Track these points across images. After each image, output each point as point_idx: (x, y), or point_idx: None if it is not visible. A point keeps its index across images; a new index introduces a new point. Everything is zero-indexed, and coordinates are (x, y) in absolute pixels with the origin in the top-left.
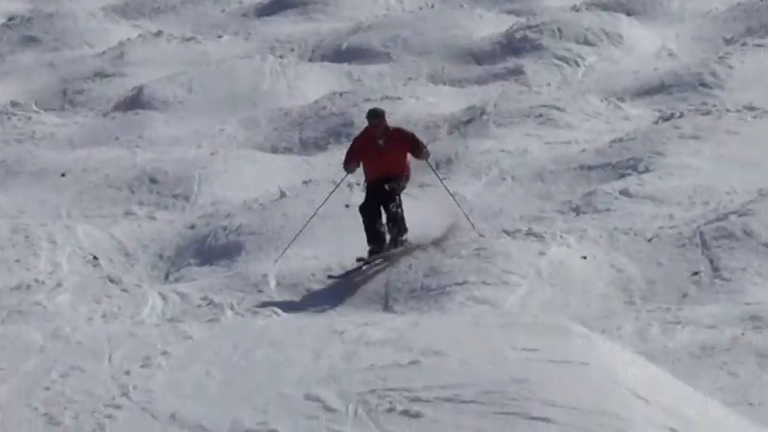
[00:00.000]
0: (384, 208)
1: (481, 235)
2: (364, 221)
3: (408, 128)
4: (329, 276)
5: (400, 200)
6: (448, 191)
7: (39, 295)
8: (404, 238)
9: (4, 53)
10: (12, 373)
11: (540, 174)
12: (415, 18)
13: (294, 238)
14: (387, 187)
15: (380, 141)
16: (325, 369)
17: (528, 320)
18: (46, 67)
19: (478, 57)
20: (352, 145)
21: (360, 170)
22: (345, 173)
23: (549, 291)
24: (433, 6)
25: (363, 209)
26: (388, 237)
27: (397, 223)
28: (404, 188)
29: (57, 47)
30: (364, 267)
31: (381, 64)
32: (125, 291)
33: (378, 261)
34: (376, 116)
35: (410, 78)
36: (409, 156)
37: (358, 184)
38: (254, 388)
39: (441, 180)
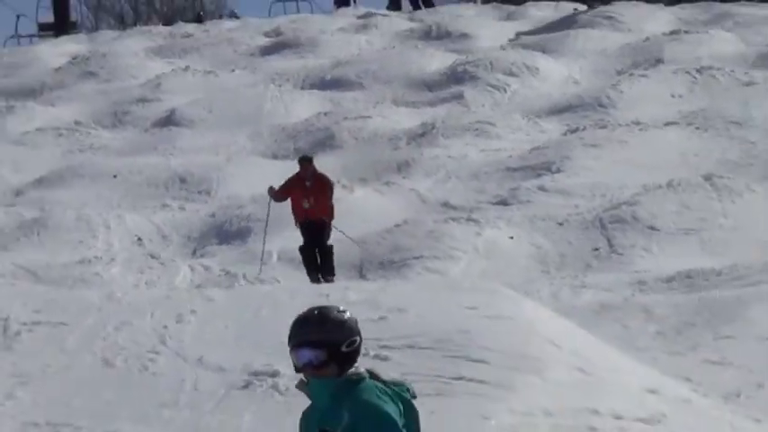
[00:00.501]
0: (318, 249)
1: (358, 243)
2: (304, 261)
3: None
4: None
5: (330, 247)
6: (344, 234)
7: (97, 267)
8: (332, 278)
9: (69, 84)
10: (77, 327)
11: (476, 174)
12: (381, 56)
13: (264, 239)
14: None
15: (308, 183)
16: None
17: (469, 285)
18: (101, 94)
19: (429, 85)
20: (286, 181)
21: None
22: (270, 198)
23: (484, 263)
24: (394, 47)
25: (302, 250)
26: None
27: (328, 262)
28: (329, 230)
29: (109, 78)
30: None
31: (356, 91)
32: (162, 264)
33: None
34: (306, 160)
35: (378, 102)
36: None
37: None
38: (261, 338)
39: (342, 232)
